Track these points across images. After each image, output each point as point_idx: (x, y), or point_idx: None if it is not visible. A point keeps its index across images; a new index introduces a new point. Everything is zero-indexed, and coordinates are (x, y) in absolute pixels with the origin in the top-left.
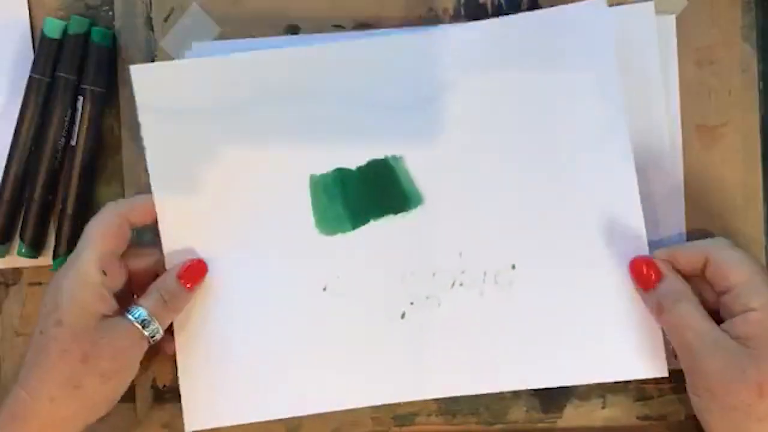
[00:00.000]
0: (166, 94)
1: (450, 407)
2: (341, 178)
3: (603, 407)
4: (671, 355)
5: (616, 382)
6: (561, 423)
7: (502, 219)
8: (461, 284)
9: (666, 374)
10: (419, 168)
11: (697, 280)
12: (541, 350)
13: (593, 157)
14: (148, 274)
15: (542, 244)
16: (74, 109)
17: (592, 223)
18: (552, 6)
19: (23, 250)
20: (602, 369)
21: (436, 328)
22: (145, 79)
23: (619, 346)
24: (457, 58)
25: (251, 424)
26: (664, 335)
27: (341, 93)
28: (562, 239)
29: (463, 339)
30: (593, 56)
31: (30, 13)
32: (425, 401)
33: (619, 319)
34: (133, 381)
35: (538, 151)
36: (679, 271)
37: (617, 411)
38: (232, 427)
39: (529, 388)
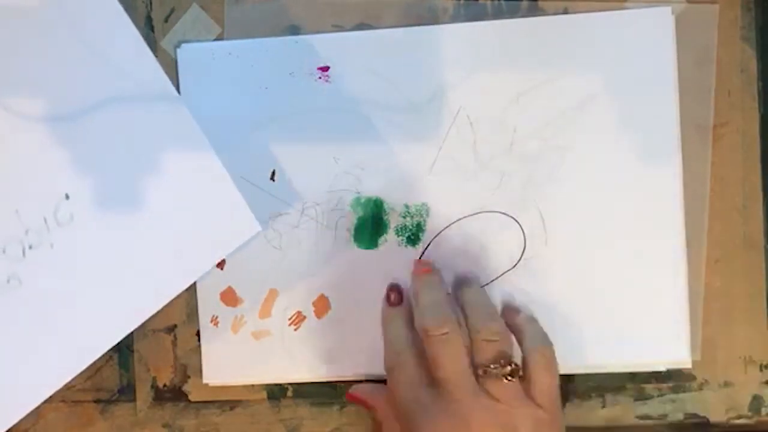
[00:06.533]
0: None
1: None
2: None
3: (603, 407)
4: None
5: (615, 382)
6: None
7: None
8: None
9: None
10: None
11: None
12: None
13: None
14: None
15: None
16: None
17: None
18: (552, 7)
19: None
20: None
21: None
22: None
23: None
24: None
25: (253, 423)
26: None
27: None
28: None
29: None
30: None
31: None
32: None
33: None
34: (133, 381)
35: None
36: None
37: (617, 411)
38: (234, 425)
39: None
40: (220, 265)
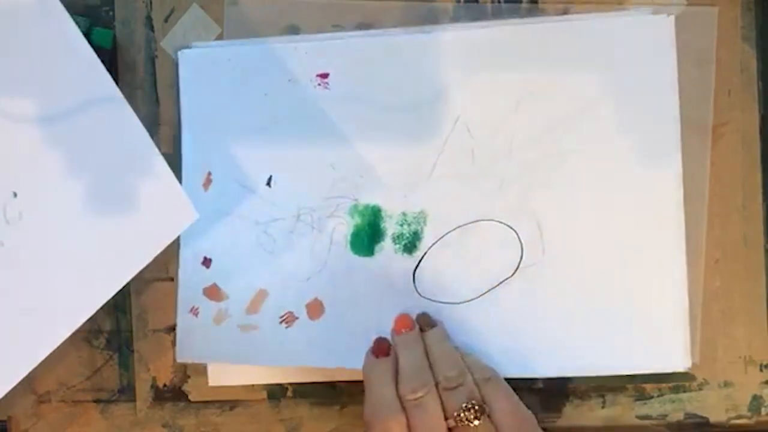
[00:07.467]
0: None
1: None
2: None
3: (602, 407)
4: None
5: (615, 382)
6: (560, 422)
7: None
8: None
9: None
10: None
11: None
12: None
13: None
14: None
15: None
16: None
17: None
18: (552, 7)
19: None
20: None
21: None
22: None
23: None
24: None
25: (253, 423)
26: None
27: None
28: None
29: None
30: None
31: None
32: None
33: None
34: (133, 381)
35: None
36: None
37: (617, 410)
38: (234, 425)
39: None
40: (206, 263)
